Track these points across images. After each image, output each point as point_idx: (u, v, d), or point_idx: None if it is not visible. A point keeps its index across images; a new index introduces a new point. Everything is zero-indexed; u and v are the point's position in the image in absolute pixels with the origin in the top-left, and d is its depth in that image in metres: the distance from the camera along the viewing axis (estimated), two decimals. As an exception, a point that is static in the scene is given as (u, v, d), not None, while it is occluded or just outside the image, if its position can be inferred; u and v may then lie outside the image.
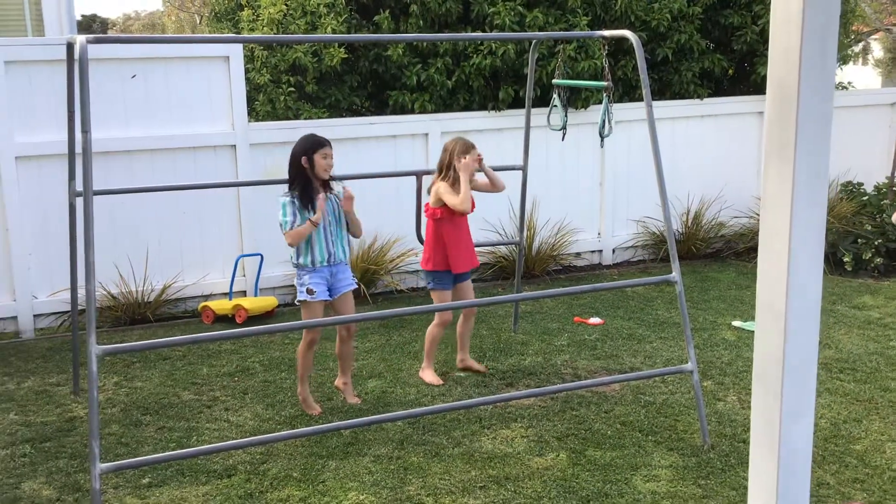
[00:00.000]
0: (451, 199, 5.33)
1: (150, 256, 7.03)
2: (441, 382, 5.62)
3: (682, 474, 4.36)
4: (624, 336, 6.42)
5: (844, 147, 8.79)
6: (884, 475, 4.27)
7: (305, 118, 7.71)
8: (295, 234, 4.97)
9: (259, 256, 7.27)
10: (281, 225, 5.01)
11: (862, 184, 8.82)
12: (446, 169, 5.43)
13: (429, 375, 5.69)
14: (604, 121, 5.14)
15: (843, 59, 9.29)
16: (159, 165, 6.95)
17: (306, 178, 5.01)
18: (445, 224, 5.44)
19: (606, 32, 5.08)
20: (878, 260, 7.76)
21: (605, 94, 5.11)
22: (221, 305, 7.00)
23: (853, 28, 9.54)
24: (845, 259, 7.85)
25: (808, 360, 2.11)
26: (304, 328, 5.17)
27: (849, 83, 10.11)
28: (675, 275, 4.77)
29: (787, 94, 2.00)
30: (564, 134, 5.71)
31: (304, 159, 4.98)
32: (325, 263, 5.05)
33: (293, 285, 7.49)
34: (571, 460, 4.52)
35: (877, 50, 27.67)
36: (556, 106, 5.64)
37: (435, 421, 4.98)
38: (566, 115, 5.67)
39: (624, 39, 5.05)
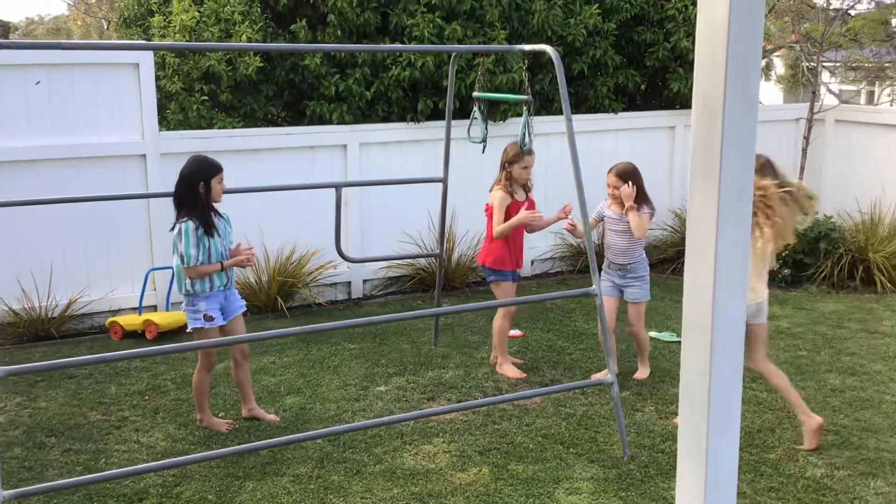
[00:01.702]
0: (495, 219, 5.69)
1: (55, 270, 6.74)
2: (524, 376, 5.79)
3: (603, 486, 4.38)
4: (544, 348, 6.44)
5: (752, 161, 9.04)
6: (798, 483, 4.37)
7: (219, 128, 7.54)
8: (199, 272, 4.82)
9: (170, 269, 7.03)
10: (183, 257, 4.79)
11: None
12: (500, 171, 5.76)
13: (510, 370, 5.82)
14: (524, 134, 5.15)
15: (751, 76, 9.57)
16: (65, 176, 6.67)
17: (203, 204, 4.84)
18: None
19: (527, 47, 5.10)
20: (786, 271, 7.99)
21: (525, 108, 5.12)
22: (131, 321, 6.75)
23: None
24: (785, 271, 8.05)
25: (734, 375, 2.12)
26: (220, 346, 5.02)
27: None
28: (595, 287, 4.80)
29: (713, 110, 2.01)
30: (485, 146, 5.71)
31: (201, 185, 4.80)
32: (222, 288, 4.92)
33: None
34: (494, 475, 4.49)
35: (779, 66, 28.75)
36: (476, 119, 5.63)
37: (355, 438, 4.89)
38: (486, 128, 5.67)
39: (542, 53, 5.09)
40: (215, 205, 4.96)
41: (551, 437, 4.92)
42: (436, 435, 4.96)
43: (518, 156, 5.65)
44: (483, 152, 5.77)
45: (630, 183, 5.63)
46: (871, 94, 22.10)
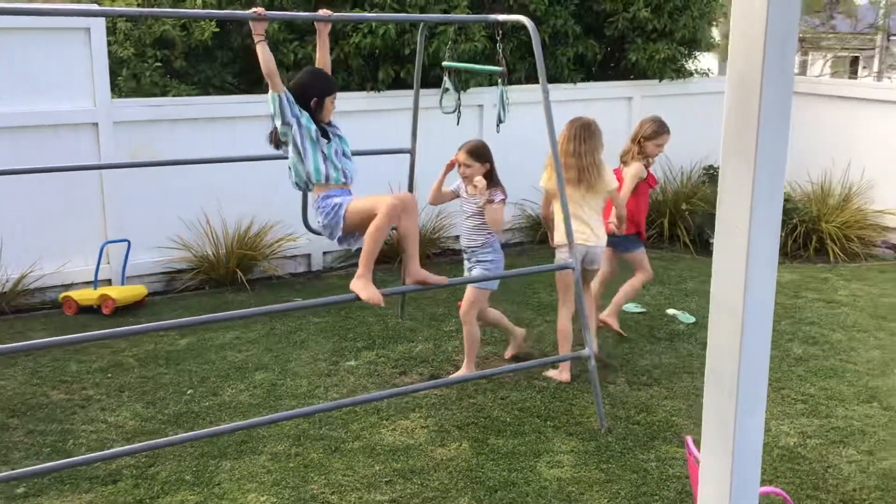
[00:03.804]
0: (624, 190, 5.71)
1: (5, 244, 6.47)
2: (624, 334, 5.99)
3: (583, 459, 4.40)
4: (510, 320, 6.41)
5: (705, 132, 9.14)
6: (772, 453, 4.45)
7: (173, 95, 7.30)
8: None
9: (126, 242, 6.83)
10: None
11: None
12: (632, 144, 5.93)
13: (616, 324, 6.03)
14: (500, 105, 5.08)
15: (708, 47, 9.66)
16: (15, 145, 6.39)
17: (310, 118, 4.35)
18: (641, 197, 5.91)
19: (501, 17, 5.02)
20: (741, 241, 8.12)
21: (500, 80, 5.06)
22: (85, 295, 6.54)
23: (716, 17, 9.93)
24: (711, 241, 8.17)
25: (763, 357, 2.12)
26: (198, 323, 4.87)
27: (707, 69, 10.52)
28: (573, 261, 4.79)
29: (749, 88, 1.97)
30: (459, 117, 5.63)
31: (314, 100, 4.31)
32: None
33: (163, 272, 7.17)
34: (475, 449, 4.47)
35: (715, 35, 29.02)
36: (447, 89, 5.55)
37: (331, 414, 4.82)
38: (459, 98, 5.59)
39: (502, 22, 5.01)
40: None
41: (528, 411, 4.93)
42: (412, 410, 4.92)
43: (656, 133, 5.77)
44: (458, 123, 5.69)
45: (483, 164, 5.19)
46: (803, 64, 22.53)
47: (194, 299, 6.85)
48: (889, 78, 22.32)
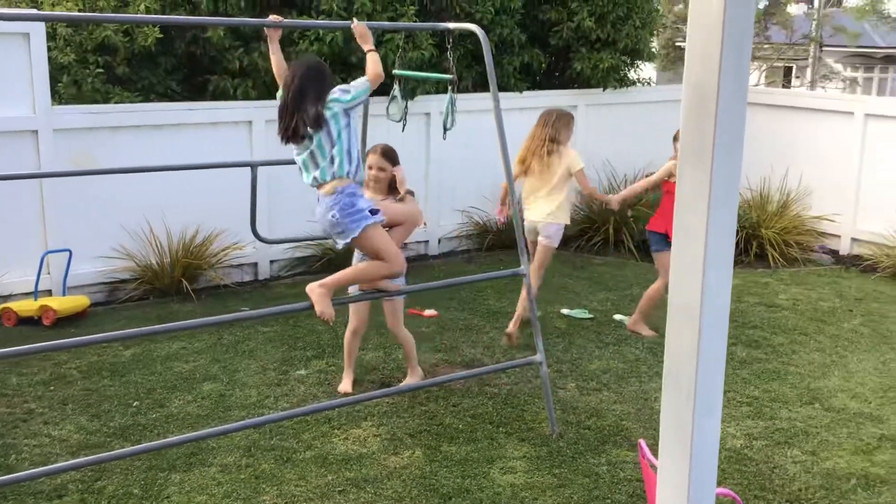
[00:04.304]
0: (646, 181, 6.46)
1: (-60, 254, 6.27)
2: (655, 334, 6.17)
3: (536, 464, 4.43)
4: (460, 327, 6.45)
5: (647, 140, 9.29)
6: (720, 455, 4.52)
7: (116, 101, 7.17)
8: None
9: (67, 252, 6.67)
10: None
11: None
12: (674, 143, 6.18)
13: (644, 329, 6.26)
14: (448, 113, 5.10)
15: (649, 57, 9.82)
16: (-51, 152, 6.20)
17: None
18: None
19: (452, 25, 5.05)
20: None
21: (449, 87, 5.07)
22: (25, 306, 6.37)
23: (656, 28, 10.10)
24: (656, 247, 8.30)
25: (719, 359, 2.15)
26: (160, 333, 4.75)
27: (649, 79, 10.70)
28: (524, 268, 4.83)
29: (705, 96, 2.02)
30: (405, 124, 5.63)
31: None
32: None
33: (106, 283, 7.02)
34: (428, 457, 4.47)
35: (655, 45, 29.59)
36: (395, 97, 5.54)
37: (282, 424, 4.77)
38: (406, 107, 5.59)
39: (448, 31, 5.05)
40: None
41: (480, 418, 4.94)
42: (363, 419, 4.90)
43: None
44: (403, 130, 5.68)
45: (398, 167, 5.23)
46: (741, 75, 23.06)
47: (138, 310, 6.71)
48: (822, 87, 22.97)
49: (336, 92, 4.13)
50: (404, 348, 5.38)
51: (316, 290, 4.10)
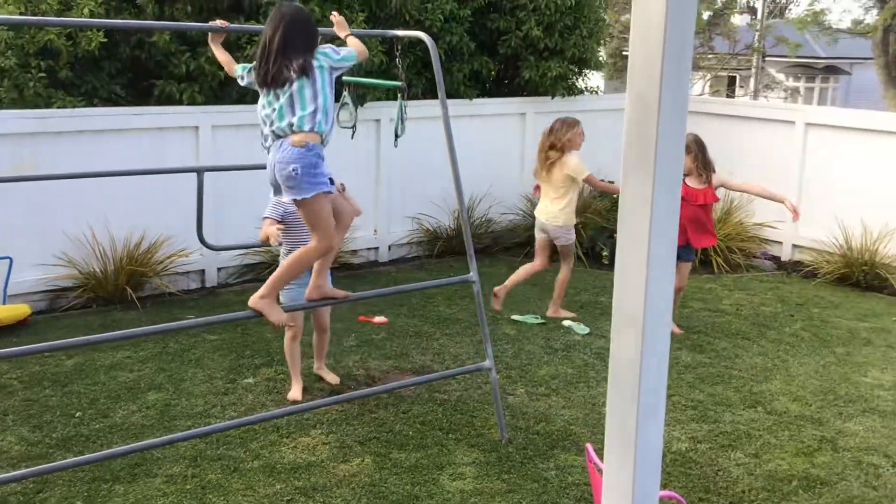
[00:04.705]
0: (740, 184, 6.71)
1: None
2: (679, 332, 6.44)
3: (485, 470, 4.45)
4: (410, 334, 6.45)
5: (595, 147, 9.40)
6: (665, 458, 4.59)
7: (59, 106, 7.02)
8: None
9: (7, 260, 6.52)
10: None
11: (612, 182, 9.47)
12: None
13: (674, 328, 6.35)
14: (399, 120, 5.11)
15: (596, 66, 9.94)
16: None
17: None
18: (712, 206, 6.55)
19: (400, 32, 5.07)
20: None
21: (399, 94, 5.08)
22: (-36, 316, 6.21)
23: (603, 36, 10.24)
24: (603, 253, 8.41)
25: (662, 363, 2.20)
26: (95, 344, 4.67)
27: (597, 87, 10.83)
28: (474, 274, 4.85)
29: (647, 106, 2.06)
30: (354, 131, 5.62)
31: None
32: None
33: (48, 290, 6.88)
34: (377, 464, 4.46)
35: (602, 54, 29.99)
36: (346, 104, 5.53)
37: (229, 433, 4.72)
38: (356, 113, 5.58)
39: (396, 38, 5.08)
40: None
41: (429, 424, 4.94)
42: (313, 427, 4.87)
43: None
44: (352, 138, 5.68)
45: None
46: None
47: (81, 318, 6.59)
48: (765, 97, 23.47)
49: (326, 48, 4.12)
50: (324, 338, 5.56)
51: (259, 302, 4.02)
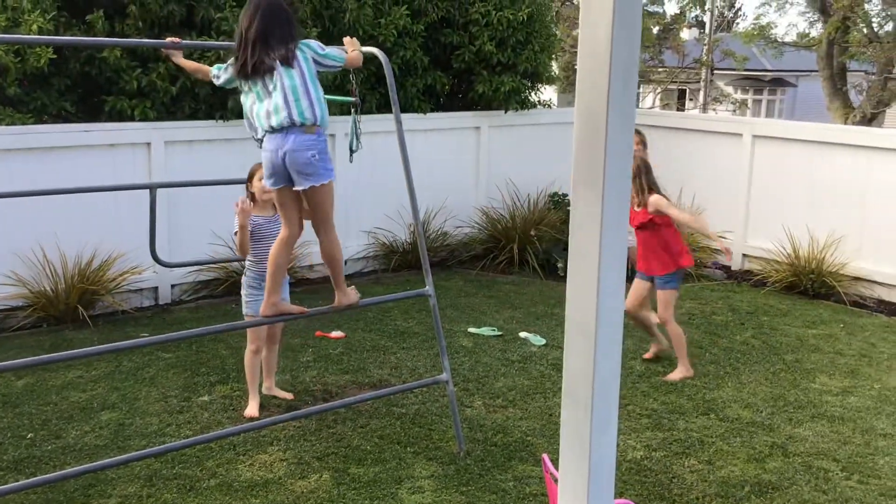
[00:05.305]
0: (675, 213, 6.03)
1: None
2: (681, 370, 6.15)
3: (444, 483, 4.46)
4: (367, 348, 6.45)
5: (548, 160, 9.52)
6: (621, 466, 4.65)
7: (7, 124, 6.91)
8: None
9: (-46, 279, 6.40)
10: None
11: (566, 194, 9.58)
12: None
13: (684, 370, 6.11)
14: (353, 135, 5.12)
15: (549, 80, 10.05)
16: None
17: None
18: (665, 229, 6.06)
19: (354, 48, 5.06)
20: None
21: (353, 109, 5.10)
22: None
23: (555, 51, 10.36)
24: (559, 265, 8.49)
25: (614, 375, 2.24)
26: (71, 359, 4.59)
27: (549, 101, 10.95)
28: (429, 288, 4.88)
29: (596, 123, 2.11)
30: (353, 153, 5.60)
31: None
32: None
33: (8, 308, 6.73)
34: (335, 480, 4.45)
35: (555, 68, 30.31)
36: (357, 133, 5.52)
37: (184, 452, 4.67)
38: (359, 142, 5.56)
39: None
40: None
41: (388, 438, 4.95)
42: (270, 444, 4.84)
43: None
44: (351, 161, 5.65)
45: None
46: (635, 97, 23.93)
47: (31, 338, 6.48)
48: (714, 110, 23.89)
49: (311, 41, 4.16)
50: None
51: (272, 308, 4.30)
